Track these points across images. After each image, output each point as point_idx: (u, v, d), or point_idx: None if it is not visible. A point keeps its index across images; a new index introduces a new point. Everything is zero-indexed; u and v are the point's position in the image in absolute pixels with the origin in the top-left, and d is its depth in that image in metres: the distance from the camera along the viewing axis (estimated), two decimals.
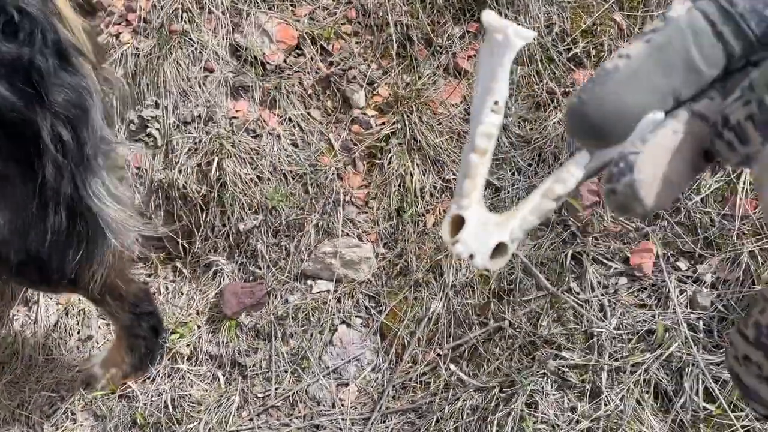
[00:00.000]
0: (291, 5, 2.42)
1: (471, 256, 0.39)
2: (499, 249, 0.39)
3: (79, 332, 2.32)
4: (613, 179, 0.35)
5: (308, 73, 2.37)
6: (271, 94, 2.33)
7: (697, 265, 1.79)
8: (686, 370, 1.65)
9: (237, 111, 2.34)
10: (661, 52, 0.34)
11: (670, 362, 1.69)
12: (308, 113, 2.35)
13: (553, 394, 1.73)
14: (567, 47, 2.15)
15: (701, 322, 1.71)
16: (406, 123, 2.20)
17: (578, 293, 1.86)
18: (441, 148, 2.17)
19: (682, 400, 1.64)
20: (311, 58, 2.38)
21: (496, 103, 0.39)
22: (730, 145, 0.32)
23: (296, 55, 2.40)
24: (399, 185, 2.18)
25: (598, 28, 2.13)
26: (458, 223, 0.40)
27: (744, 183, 1.78)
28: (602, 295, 1.83)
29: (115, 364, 2.06)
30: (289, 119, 2.33)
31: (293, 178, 2.28)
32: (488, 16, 0.40)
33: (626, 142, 0.35)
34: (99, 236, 1.50)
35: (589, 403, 1.70)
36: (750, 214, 1.75)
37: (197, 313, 2.27)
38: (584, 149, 0.38)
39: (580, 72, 2.14)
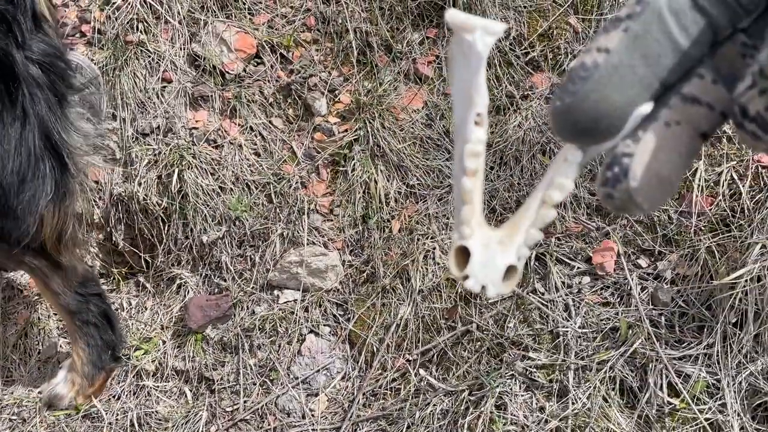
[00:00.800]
0: (249, 14, 2.40)
1: (483, 288, 0.37)
2: (509, 270, 0.38)
3: (39, 352, 2.25)
4: (608, 184, 0.34)
5: (269, 81, 2.35)
6: (231, 103, 2.31)
7: (657, 262, 1.83)
8: (650, 365, 1.68)
9: (197, 121, 2.31)
10: (641, 42, 0.32)
11: (634, 359, 1.72)
12: (270, 122, 2.34)
13: (522, 395, 1.74)
14: (524, 51, 2.18)
15: (663, 318, 1.75)
16: (369, 129, 2.20)
17: (543, 294, 1.88)
18: (404, 153, 2.17)
19: (647, 396, 1.67)
20: (271, 66, 2.36)
21: (478, 115, 0.38)
22: (754, 135, 0.31)
23: (256, 64, 2.38)
24: (363, 192, 2.17)
25: (555, 31, 2.16)
26: (464, 253, 0.38)
27: (699, 180, 1.83)
28: (566, 294, 1.85)
29: (74, 370, 2.00)
30: (251, 128, 2.31)
31: (256, 188, 2.26)
32: (453, 16, 0.37)
33: (617, 139, 0.34)
34: (66, 174, 1.65)
35: (557, 403, 1.71)
36: (706, 210, 1.80)
37: (162, 328, 2.23)
38: (573, 146, 0.36)
39: (538, 75, 2.17)
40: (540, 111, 2.11)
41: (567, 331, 1.79)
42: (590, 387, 1.68)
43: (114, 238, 2.32)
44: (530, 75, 2.18)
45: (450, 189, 2.14)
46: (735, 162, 1.81)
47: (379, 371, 1.98)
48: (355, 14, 2.35)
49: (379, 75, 2.29)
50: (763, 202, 1.71)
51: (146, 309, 2.29)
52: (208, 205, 2.23)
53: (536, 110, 2.11)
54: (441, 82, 2.24)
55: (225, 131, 2.30)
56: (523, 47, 2.19)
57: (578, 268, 1.90)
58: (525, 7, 2.21)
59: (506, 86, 2.16)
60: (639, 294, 1.78)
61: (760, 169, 1.78)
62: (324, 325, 2.11)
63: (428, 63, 2.27)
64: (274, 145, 2.30)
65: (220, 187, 2.25)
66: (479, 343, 1.87)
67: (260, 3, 2.42)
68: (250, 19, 2.40)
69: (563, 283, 1.88)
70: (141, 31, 2.37)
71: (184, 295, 2.24)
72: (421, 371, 1.92)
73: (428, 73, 2.26)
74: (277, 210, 2.23)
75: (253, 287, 2.18)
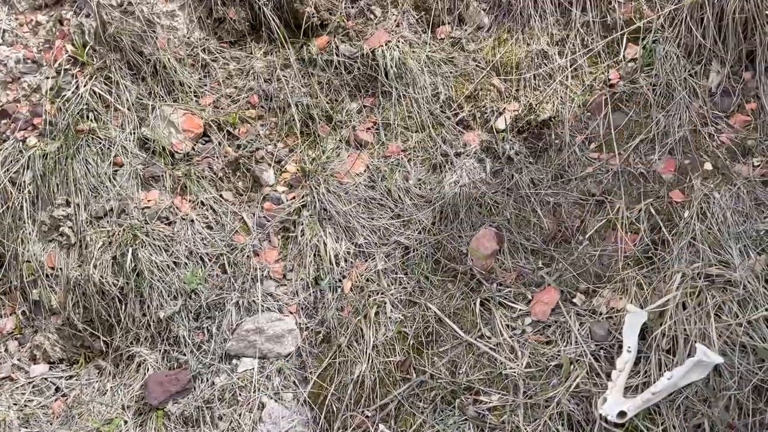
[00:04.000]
0: (195, 96, 2.54)
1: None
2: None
3: None
4: None
5: (217, 157, 2.46)
6: (181, 181, 2.40)
7: (591, 298, 1.93)
8: (594, 398, 1.76)
9: (149, 200, 2.39)
10: None
11: (579, 392, 1.79)
12: (220, 195, 2.43)
13: None
14: (454, 112, 2.34)
15: (602, 351, 1.83)
16: (315, 195, 2.31)
17: (490, 338, 1.96)
18: (350, 215, 2.28)
19: (594, 428, 1.73)
20: (219, 143, 2.48)
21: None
22: None
23: (204, 142, 2.49)
24: (314, 255, 2.26)
25: (480, 92, 2.33)
26: None
27: (622, 218, 1.96)
28: (511, 337, 1.94)
29: None
30: (202, 203, 2.40)
31: (210, 260, 2.33)
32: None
33: None
34: None
35: None
36: (631, 246, 1.92)
37: (123, 408, 2.23)
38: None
39: (469, 134, 2.32)
40: (473, 167, 2.25)
41: (514, 372, 1.86)
42: (539, 424, 1.75)
43: (72, 322, 2.35)
44: (462, 134, 2.33)
45: (396, 245, 2.24)
46: (652, 199, 1.96)
47: (341, 431, 2.01)
48: (296, 90, 2.50)
49: (322, 144, 2.42)
50: (680, 234, 1.85)
51: (107, 390, 2.30)
52: (163, 281, 2.28)
53: (470, 167, 2.25)
54: (380, 146, 2.38)
55: (177, 208, 2.38)
56: (453, 109, 2.35)
57: (521, 310, 1.99)
58: (451, 72, 2.38)
59: (440, 146, 2.31)
60: (578, 330, 1.87)
61: (674, 204, 1.92)
62: (283, 390, 2.14)
63: (367, 129, 2.41)
64: (226, 217, 2.39)
65: (174, 262, 2.31)
66: (433, 391, 1.92)
67: (205, 86, 2.56)
68: (196, 101, 2.54)
69: (508, 326, 1.96)
70: (92, 120, 2.48)
71: (144, 373, 2.25)
72: (381, 426, 1.96)
73: (368, 138, 2.40)
74: (232, 279, 2.29)
75: (211, 358, 2.21)
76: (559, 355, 1.86)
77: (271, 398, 2.12)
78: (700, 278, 1.76)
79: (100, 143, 2.44)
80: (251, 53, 2.60)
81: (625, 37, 2.19)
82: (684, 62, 2.08)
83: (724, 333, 1.67)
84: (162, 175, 2.41)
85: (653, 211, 1.93)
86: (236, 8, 2.60)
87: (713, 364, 1.64)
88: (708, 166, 1.96)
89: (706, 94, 2.06)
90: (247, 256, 2.30)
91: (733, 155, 1.96)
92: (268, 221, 2.34)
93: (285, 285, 2.27)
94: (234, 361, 2.21)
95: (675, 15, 2.12)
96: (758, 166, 1.90)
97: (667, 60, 2.08)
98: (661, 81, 2.08)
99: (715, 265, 1.77)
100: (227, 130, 2.49)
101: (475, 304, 2.02)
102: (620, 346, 1.82)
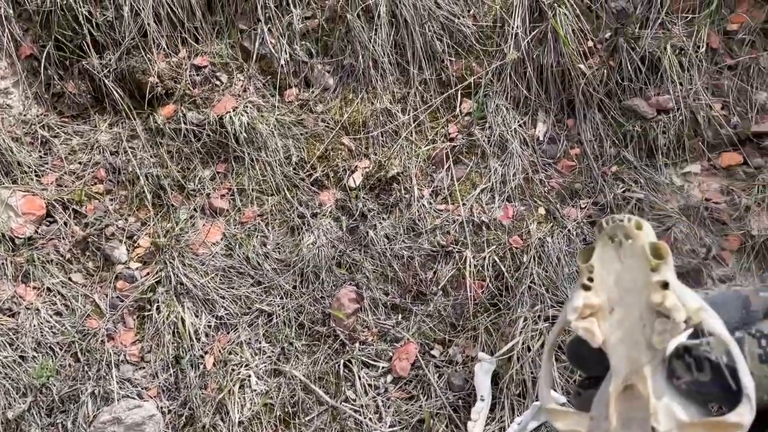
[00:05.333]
0: (36, 175, 2.40)
1: None
2: None
3: None
4: None
5: (63, 238, 2.34)
6: (24, 267, 2.25)
7: (448, 348, 1.98)
8: None
9: None
10: None
11: None
12: (69, 278, 2.30)
13: None
14: (308, 173, 2.36)
15: (461, 401, 1.88)
16: (171, 269, 2.23)
17: (355, 400, 1.96)
18: (209, 287, 2.22)
19: None
20: (65, 223, 2.35)
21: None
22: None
23: (48, 224, 2.36)
24: (173, 332, 2.17)
25: (331, 152, 2.37)
26: None
27: (470, 267, 2.04)
28: (375, 396, 1.94)
29: None
30: (48, 289, 2.26)
31: (61, 349, 2.19)
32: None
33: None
34: None
35: None
36: (479, 294, 2.00)
37: None
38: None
39: (324, 193, 2.34)
40: (330, 226, 2.27)
41: None
42: None
43: None
44: (317, 194, 2.34)
45: (258, 313, 2.20)
46: (495, 246, 2.05)
47: None
48: (145, 161, 2.43)
49: (176, 214, 2.35)
50: (521, 279, 1.94)
51: None
52: (9, 378, 2.12)
53: (327, 227, 2.27)
54: (236, 212, 2.35)
55: (20, 297, 2.23)
56: (306, 170, 2.37)
57: (383, 367, 2.01)
58: (302, 134, 2.40)
59: (297, 207, 2.31)
60: (437, 382, 1.91)
61: (514, 249, 2.02)
62: None
63: (221, 196, 2.38)
64: (76, 302, 2.26)
65: (20, 357, 2.15)
66: None
67: (46, 164, 2.44)
68: (37, 180, 2.40)
69: (371, 385, 1.97)
70: None
71: None
72: None
73: (223, 205, 2.36)
74: (86, 368, 2.16)
75: None
76: (420, 410, 1.89)
77: None
78: (540, 320, 1.85)
79: None
80: (96, 126, 2.51)
81: (459, 92, 2.30)
82: (513, 114, 2.22)
83: (565, 372, 1.76)
84: (2, 264, 2.25)
85: (497, 259, 2.02)
86: (75, 81, 2.51)
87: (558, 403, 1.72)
88: (542, 210, 2.08)
89: (535, 142, 2.20)
90: (101, 341, 2.18)
91: (563, 199, 2.10)
92: (122, 301, 2.24)
93: (143, 368, 2.17)
94: None
95: (501, 70, 2.26)
96: (585, 208, 2.04)
97: (498, 112, 2.21)
98: (494, 132, 2.20)
99: (553, 306, 1.87)
100: (73, 209, 2.37)
101: (339, 366, 2.02)
102: (476, 395, 1.87)
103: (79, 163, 2.45)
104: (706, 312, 0.44)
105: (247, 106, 2.41)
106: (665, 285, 0.44)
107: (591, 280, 0.47)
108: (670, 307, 0.43)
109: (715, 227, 1.95)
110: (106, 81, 2.47)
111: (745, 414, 0.41)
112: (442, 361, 1.97)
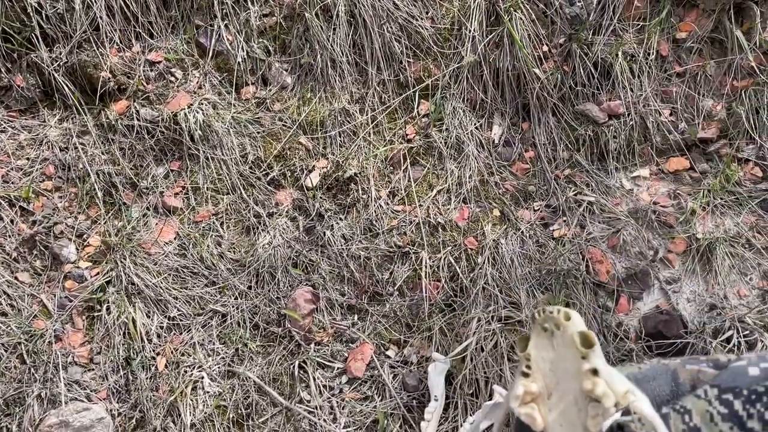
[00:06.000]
0: None
1: None
2: None
3: None
4: None
5: (9, 236, 2.26)
6: None
7: (403, 349, 1.99)
8: None
9: None
10: None
11: None
12: (15, 278, 2.23)
13: None
14: (264, 172, 2.34)
15: (415, 401, 1.89)
16: (122, 269, 2.19)
17: (309, 401, 1.95)
18: (161, 287, 2.18)
19: None
20: (11, 221, 2.28)
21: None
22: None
23: None
24: (123, 333, 2.13)
25: (288, 151, 2.35)
26: None
27: (425, 267, 2.05)
28: (330, 397, 1.94)
29: None
30: None
31: (6, 350, 2.12)
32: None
33: None
34: None
35: None
36: (434, 294, 2.01)
37: None
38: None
39: (281, 193, 2.32)
40: (287, 226, 2.26)
41: None
42: None
43: None
44: (273, 193, 2.32)
45: (212, 314, 2.17)
46: (450, 247, 2.07)
47: None
48: (96, 157, 2.37)
49: (127, 213, 2.30)
50: (475, 279, 1.96)
51: None
52: None
53: (283, 226, 2.25)
54: (190, 211, 2.31)
55: None
56: (263, 169, 2.34)
57: (338, 368, 2.00)
58: (258, 132, 2.38)
59: (252, 207, 2.29)
60: (391, 382, 1.92)
61: (469, 251, 2.04)
62: None
63: (175, 194, 2.34)
64: (22, 302, 2.19)
65: None
66: None
67: None
68: None
69: (325, 386, 1.97)
70: None
71: None
72: None
73: (176, 204, 2.32)
74: (32, 370, 2.09)
75: None
76: (375, 411, 1.89)
77: None
78: (494, 321, 1.87)
79: None
80: (45, 121, 2.43)
81: (417, 94, 2.31)
82: (470, 116, 2.24)
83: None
84: None
85: (452, 260, 2.04)
86: (24, 74, 2.43)
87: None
88: (497, 212, 2.11)
89: (491, 145, 2.22)
90: (49, 342, 2.12)
91: (517, 201, 2.13)
92: (71, 301, 2.18)
93: (93, 369, 2.12)
94: None
95: (458, 73, 2.28)
96: (538, 210, 2.08)
97: (455, 115, 2.23)
98: (451, 134, 2.22)
99: (506, 307, 1.89)
100: (20, 206, 2.30)
101: (294, 367, 2.01)
102: (430, 396, 1.89)
103: (27, 158, 2.37)
104: (633, 395, 0.47)
105: (202, 103, 2.37)
106: (595, 372, 0.48)
107: (529, 367, 0.52)
108: (600, 394, 0.46)
109: (662, 230, 2.00)
110: (56, 75, 2.39)
111: None
112: (397, 361, 1.97)
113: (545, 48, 2.24)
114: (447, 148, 2.22)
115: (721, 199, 2.02)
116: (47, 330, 2.14)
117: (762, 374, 0.48)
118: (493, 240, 2.00)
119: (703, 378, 0.52)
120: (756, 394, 0.47)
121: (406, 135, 2.29)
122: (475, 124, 2.24)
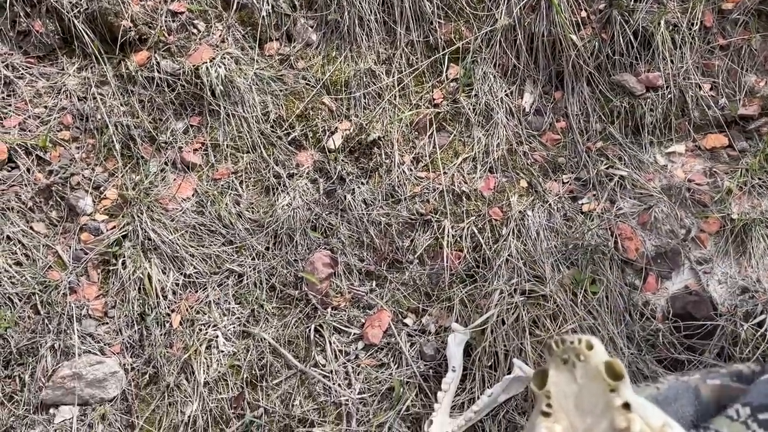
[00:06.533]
0: None
1: None
2: None
3: None
4: None
5: (26, 185, 2.23)
6: None
7: (421, 318, 1.96)
8: (423, 419, 1.78)
9: None
10: None
11: (409, 415, 1.80)
12: (30, 228, 2.20)
13: None
14: (286, 132, 2.28)
15: (431, 371, 1.86)
16: (138, 224, 2.15)
17: (324, 365, 1.93)
18: (178, 244, 2.15)
19: None
20: (27, 169, 2.24)
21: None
22: None
23: (9, 169, 2.24)
24: (138, 289, 2.10)
25: (311, 111, 2.29)
26: None
27: (447, 236, 2.00)
28: (345, 363, 1.91)
29: None
30: (8, 237, 2.16)
31: (20, 300, 2.10)
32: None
33: None
34: None
35: None
36: (456, 265, 1.97)
37: None
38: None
39: (302, 154, 2.27)
40: (307, 188, 2.21)
41: (348, 400, 1.84)
42: None
43: None
44: (294, 154, 2.27)
45: (229, 273, 2.14)
46: (474, 217, 2.01)
47: None
48: (115, 109, 2.32)
49: (146, 167, 2.26)
50: (498, 251, 1.91)
51: None
52: None
53: (303, 188, 2.20)
54: (209, 168, 2.27)
55: None
56: (284, 128, 2.28)
57: (354, 334, 1.97)
58: (281, 90, 2.31)
59: (272, 167, 2.24)
60: (408, 351, 1.88)
61: (493, 221, 1.99)
62: None
63: (194, 150, 2.29)
64: (38, 252, 2.16)
65: None
66: (267, 427, 1.86)
67: (9, 106, 2.31)
68: None
69: (341, 351, 1.94)
70: None
71: None
72: None
73: (195, 160, 2.27)
74: (46, 321, 2.08)
75: (25, 410, 2.00)
76: (390, 378, 1.86)
77: None
78: (516, 294, 1.83)
79: None
80: (63, 69, 2.38)
81: (446, 57, 2.23)
82: (501, 82, 2.16)
83: (538, 347, 1.75)
84: None
85: (475, 230, 1.99)
86: (43, 20, 2.36)
87: (530, 377, 1.71)
88: (524, 183, 2.05)
89: (521, 113, 2.15)
90: (63, 293, 2.10)
91: (546, 173, 2.06)
92: (86, 254, 2.15)
93: (107, 323, 2.10)
94: (51, 411, 2.01)
95: (491, 36, 2.20)
96: (567, 183, 2.01)
97: (485, 80, 2.15)
98: (480, 101, 2.15)
99: (530, 281, 1.85)
100: (37, 155, 2.26)
101: (309, 330, 1.98)
102: (447, 366, 1.86)
103: (45, 107, 2.32)
104: (670, 428, 0.42)
105: (224, 58, 2.31)
106: (627, 406, 0.42)
107: (550, 406, 0.45)
108: (637, 431, 0.41)
109: (695, 209, 1.94)
110: (75, 22, 2.33)
111: None
112: (415, 330, 1.94)
113: (584, 13, 2.15)
114: (475, 114, 2.14)
115: (760, 179, 1.95)
116: (62, 281, 2.12)
117: None
118: (519, 211, 1.95)
119: (727, 393, 0.47)
120: None
121: (433, 99, 2.22)
122: (505, 90, 2.16)
